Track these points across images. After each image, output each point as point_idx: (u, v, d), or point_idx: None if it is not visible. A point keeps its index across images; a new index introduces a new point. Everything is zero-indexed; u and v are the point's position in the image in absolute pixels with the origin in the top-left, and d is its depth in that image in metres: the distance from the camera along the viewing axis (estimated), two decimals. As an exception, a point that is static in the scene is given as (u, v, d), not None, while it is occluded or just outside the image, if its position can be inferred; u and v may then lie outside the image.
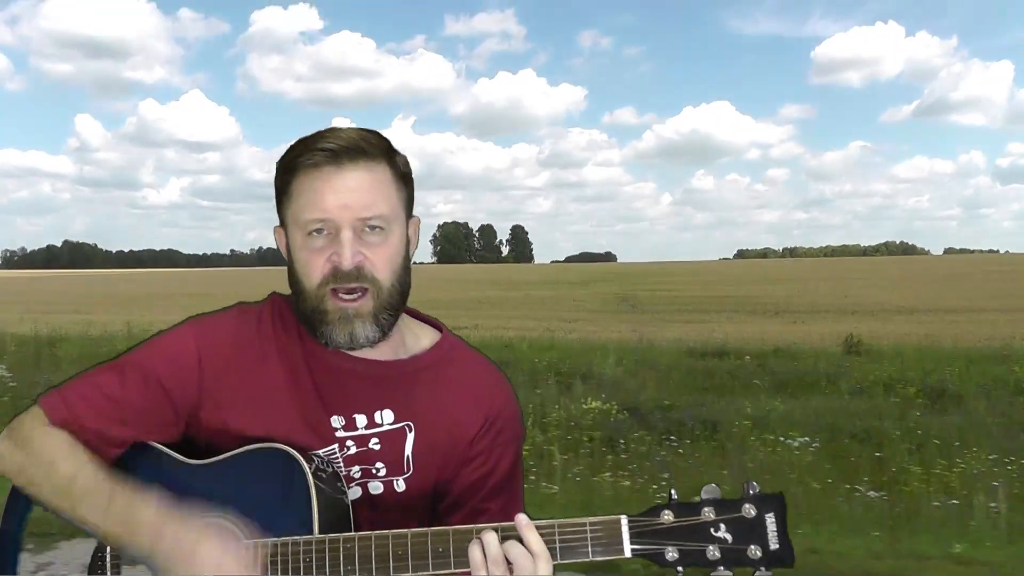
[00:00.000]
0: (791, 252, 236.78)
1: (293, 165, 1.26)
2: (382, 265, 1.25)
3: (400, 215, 1.29)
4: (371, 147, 1.26)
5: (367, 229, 1.24)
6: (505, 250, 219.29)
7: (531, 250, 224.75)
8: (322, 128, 1.30)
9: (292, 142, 1.29)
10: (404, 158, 1.31)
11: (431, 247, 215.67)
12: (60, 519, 1.25)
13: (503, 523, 1.14)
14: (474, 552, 1.12)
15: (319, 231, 1.24)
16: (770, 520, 1.11)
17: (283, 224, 1.32)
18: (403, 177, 1.30)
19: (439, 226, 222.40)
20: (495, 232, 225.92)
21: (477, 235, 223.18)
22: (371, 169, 1.25)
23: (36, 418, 1.28)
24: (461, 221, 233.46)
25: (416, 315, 1.42)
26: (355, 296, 1.24)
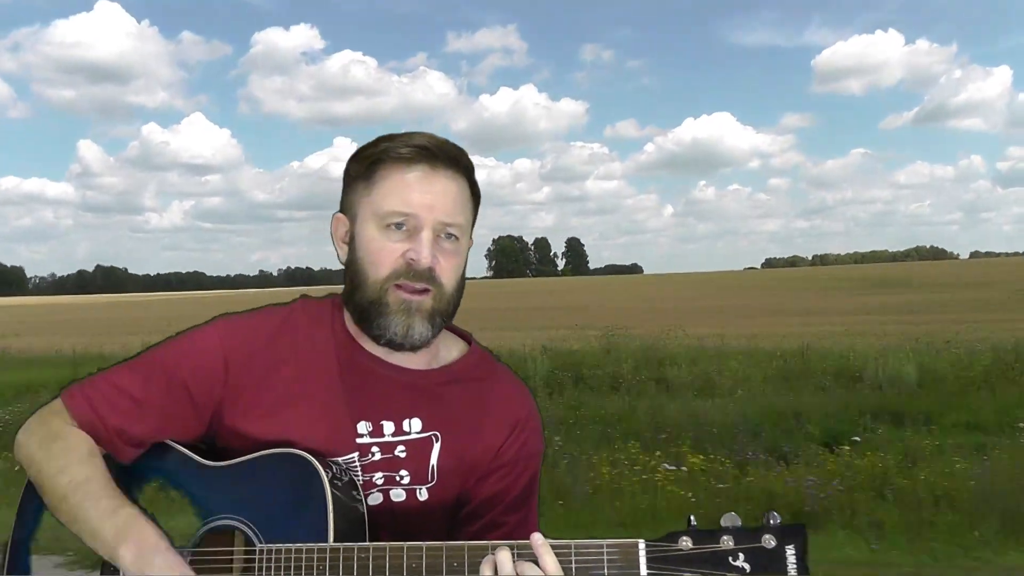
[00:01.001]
0: (821, 259, 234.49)
1: (382, 155, 1.27)
2: (449, 273, 1.28)
3: (468, 231, 1.33)
4: (462, 159, 1.30)
5: (443, 235, 1.27)
6: (561, 263, 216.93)
7: (587, 263, 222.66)
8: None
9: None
10: (477, 182, 1.35)
11: (486, 262, 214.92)
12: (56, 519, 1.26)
13: (518, 541, 1.14)
14: (485, 569, 1.12)
15: (399, 225, 1.25)
16: (790, 552, 1.10)
17: (350, 212, 1.31)
18: (476, 198, 1.34)
19: (494, 240, 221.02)
20: (549, 245, 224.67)
21: (533, 248, 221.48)
22: (458, 180, 1.30)
23: (60, 415, 1.28)
24: (516, 235, 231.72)
25: (447, 326, 1.41)
26: (418, 292, 1.26)
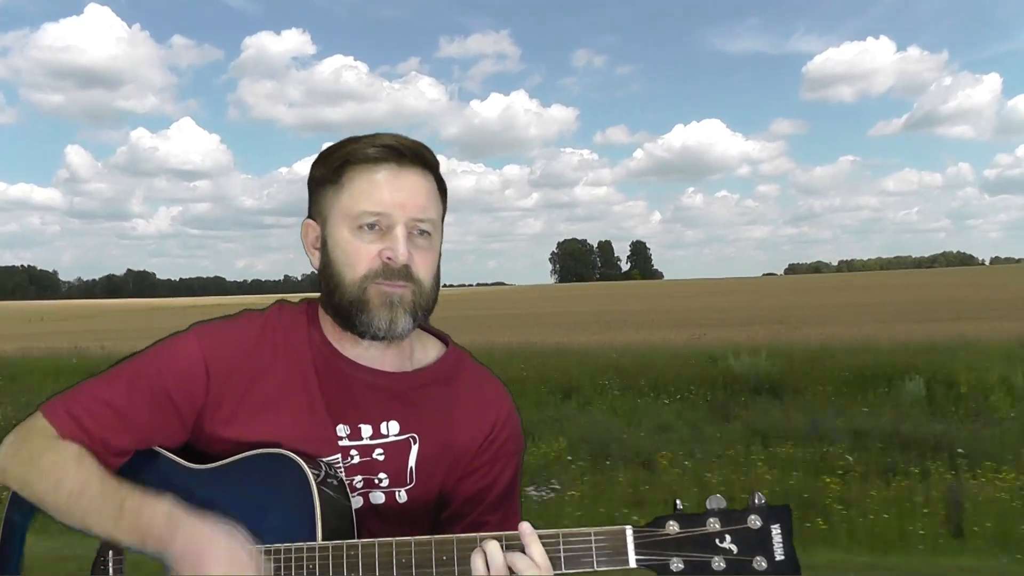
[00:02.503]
0: (848, 265, 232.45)
1: (349, 157, 1.28)
2: (425, 268, 1.29)
3: (440, 226, 1.33)
4: (429, 156, 1.31)
5: (416, 232, 1.28)
6: (626, 266, 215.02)
7: (652, 266, 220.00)
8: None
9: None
10: (443, 178, 1.36)
11: (550, 265, 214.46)
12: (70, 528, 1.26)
13: (506, 532, 1.15)
14: (476, 561, 1.13)
15: (371, 226, 1.26)
16: (776, 531, 1.10)
17: (320, 217, 1.32)
18: (444, 194, 1.35)
19: (559, 244, 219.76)
20: (612, 248, 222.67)
21: (598, 252, 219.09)
22: (426, 176, 1.31)
23: (41, 432, 1.28)
24: (580, 238, 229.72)
25: (423, 327, 1.42)
26: (399, 285, 1.26)
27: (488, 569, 1.12)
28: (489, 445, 1.37)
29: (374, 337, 1.28)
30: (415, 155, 1.28)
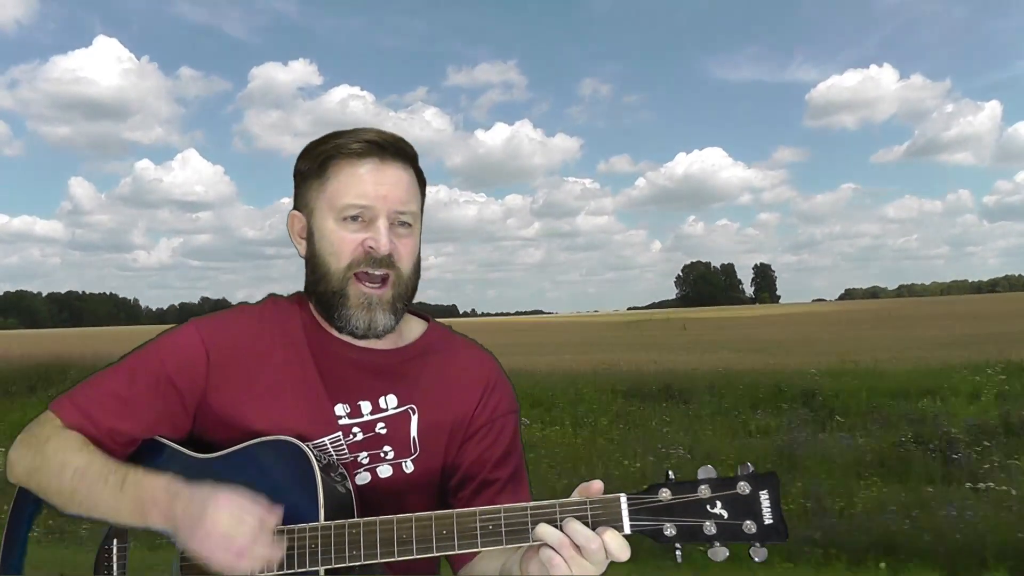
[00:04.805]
0: (908, 290, 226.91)
1: (334, 151, 1.34)
2: (407, 257, 1.36)
3: (420, 216, 1.40)
4: (408, 150, 1.38)
5: (398, 223, 1.34)
6: (749, 290, 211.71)
7: (776, 291, 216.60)
8: None
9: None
10: (422, 170, 1.42)
11: (675, 288, 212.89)
12: (70, 515, 1.29)
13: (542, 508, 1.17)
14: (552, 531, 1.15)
15: (355, 217, 1.33)
16: (764, 497, 1.13)
17: (306, 208, 1.38)
18: (423, 185, 1.42)
19: (684, 267, 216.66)
20: (735, 271, 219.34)
21: (722, 274, 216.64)
22: (406, 169, 1.38)
23: (48, 422, 1.33)
24: (704, 261, 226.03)
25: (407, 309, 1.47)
26: (378, 285, 1.33)
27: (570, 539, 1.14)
28: (484, 407, 1.43)
29: (352, 335, 1.35)
30: (396, 150, 1.35)
